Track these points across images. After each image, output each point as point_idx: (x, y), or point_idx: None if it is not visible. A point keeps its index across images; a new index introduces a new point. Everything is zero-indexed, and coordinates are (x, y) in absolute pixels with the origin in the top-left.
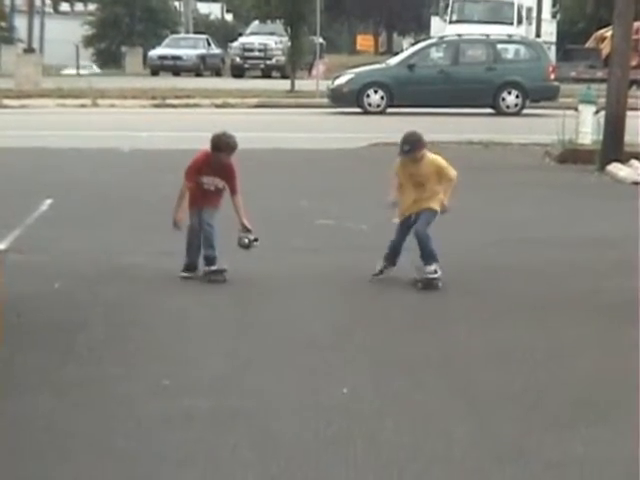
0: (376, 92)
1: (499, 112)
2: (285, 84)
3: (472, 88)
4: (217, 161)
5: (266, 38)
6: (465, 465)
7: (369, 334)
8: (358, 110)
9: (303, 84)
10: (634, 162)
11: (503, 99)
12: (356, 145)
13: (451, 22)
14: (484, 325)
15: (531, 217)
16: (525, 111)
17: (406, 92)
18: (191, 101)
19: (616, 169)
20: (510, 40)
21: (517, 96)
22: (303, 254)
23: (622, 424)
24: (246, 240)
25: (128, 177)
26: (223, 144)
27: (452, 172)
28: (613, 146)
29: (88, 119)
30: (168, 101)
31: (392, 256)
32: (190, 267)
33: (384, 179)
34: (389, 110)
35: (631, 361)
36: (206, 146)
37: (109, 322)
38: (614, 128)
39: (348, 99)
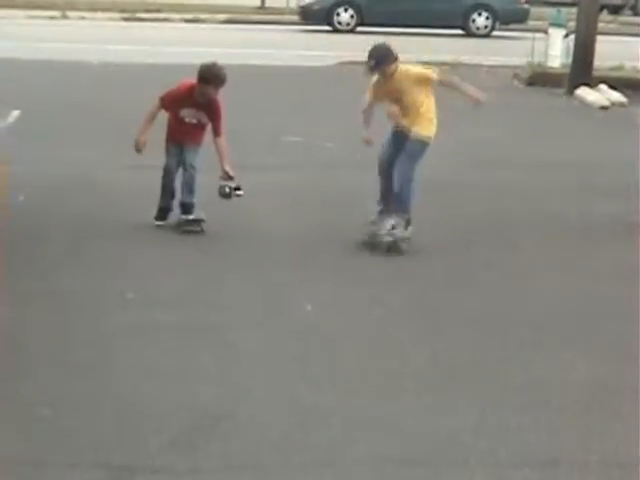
0: (346, 10)
1: (469, 34)
2: (255, 1)
3: (442, 9)
4: (203, 94)
5: None
6: (419, 382)
7: (334, 253)
8: (328, 28)
9: (273, 1)
10: (602, 87)
11: (473, 20)
12: (325, 63)
13: None
14: (448, 246)
15: (498, 139)
16: (495, 33)
17: (376, 11)
18: (161, 15)
19: (584, 93)
20: None
21: (487, 18)
22: (270, 171)
23: (585, 345)
24: (227, 189)
25: (97, 90)
26: (212, 76)
27: (430, 73)
28: (582, 70)
29: (57, 31)
30: (138, 15)
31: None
32: (163, 211)
33: (352, 97)
34: (359, 29)
35: (597, 284)
36: (176, 61)
37: (73, 235)
38: (583, 52)
39: (318, 17)
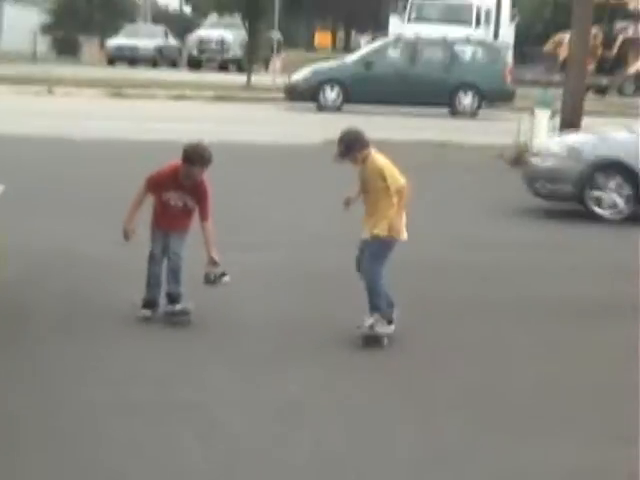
0: (332, 89)
1: (455, 113)
2: (242, 78)
3: (428, 87)
4: (188, 175)
5: (224, 31)
6: (403, 468)
7: (318, 337)
8: (313, 106)
9: (260, 79)
10: None
11: (459, 100)
12: (311, 141)
13: (409, 21)
14: (433, 329)
15: (475, 217)
16: (482, 112)
17: (362, 90)
18: (147, 92)
19: None
20: (468, 41)
21: (473, 97)
22: (255, 250)
23: (570, 431)
24: (212, 276)
25: (79, 166)
26: (197, 156)
27: (399, 181)
28: None
29: (42, 107)
30: (124, 91)
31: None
32: (150, 304)
33: (337, 175)
34: (345, 107)
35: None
36: (161, 138)
37: (58, 313)
38: (570, 132)
39: (304, 95)
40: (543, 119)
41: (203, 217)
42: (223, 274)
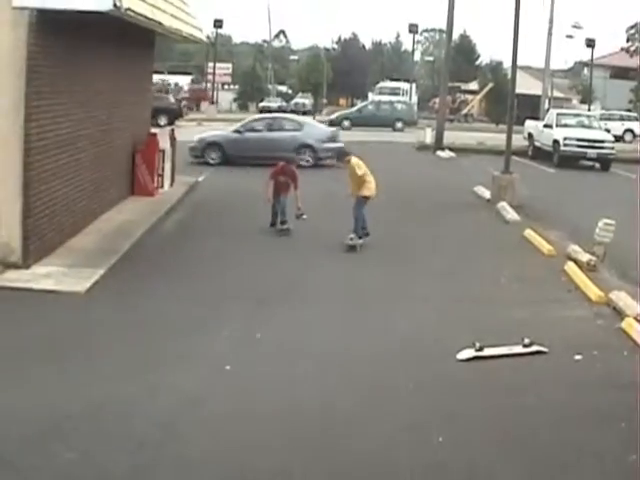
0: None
1: (395, 130)
2: None
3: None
4: (288, 169)
5: (305, 99)
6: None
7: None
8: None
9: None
10: (447, 150)
11: (396, 125)
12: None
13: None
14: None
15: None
16: (406, 130)
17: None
18: None
19: (440, 152)
20: (399, 101)
21: (402, 123)
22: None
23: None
24: (298, 215)
25: None
26: (291, 162)
27: (358, 171)
28: (438, 143)
29: None
30: None
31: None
32: (272, 224)
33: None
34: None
35: None
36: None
37: (219, 226)
38: (439, 136)
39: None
40: (428, 133)
41: (295, 187)
42: (302, 214)
